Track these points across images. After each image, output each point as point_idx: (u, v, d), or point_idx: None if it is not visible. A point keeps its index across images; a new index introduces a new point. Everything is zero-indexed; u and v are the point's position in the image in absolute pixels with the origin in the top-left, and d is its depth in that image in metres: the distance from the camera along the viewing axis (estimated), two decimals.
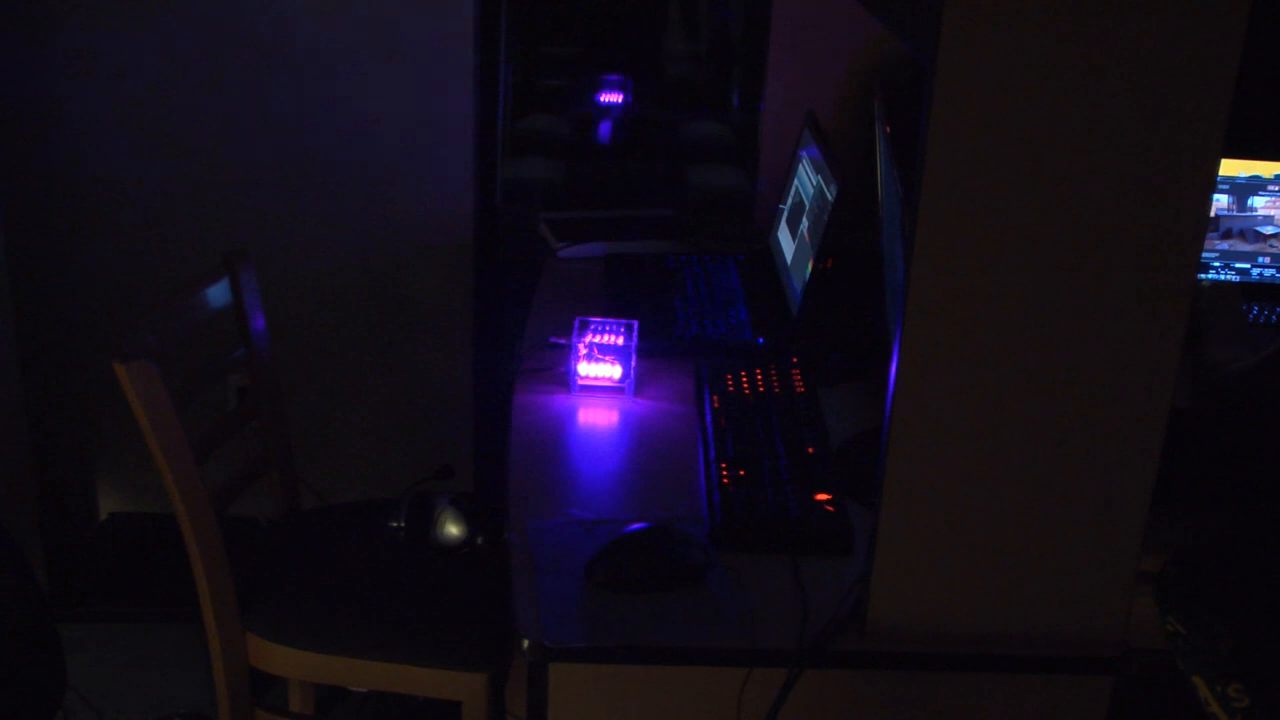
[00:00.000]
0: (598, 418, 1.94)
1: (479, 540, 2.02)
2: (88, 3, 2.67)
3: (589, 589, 1.50)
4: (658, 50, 4.24)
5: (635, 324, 2.03)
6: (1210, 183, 1.28)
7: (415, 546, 2.03)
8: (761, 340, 2.15)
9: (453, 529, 2.02)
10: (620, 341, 1.99)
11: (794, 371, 2.00)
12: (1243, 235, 2.39)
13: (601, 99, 4.04)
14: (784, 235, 2.38)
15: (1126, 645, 1.44)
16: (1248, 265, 2.40)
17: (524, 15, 3.71)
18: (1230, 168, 2.36)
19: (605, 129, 3.98)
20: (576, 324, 2.01)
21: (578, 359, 1.97)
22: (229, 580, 1.95)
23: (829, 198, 2.09)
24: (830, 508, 1.64)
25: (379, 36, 2.73)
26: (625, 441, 1.89)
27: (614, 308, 2.18)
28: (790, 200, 2.39)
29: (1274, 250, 2.39)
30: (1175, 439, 1.37)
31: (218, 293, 2.08)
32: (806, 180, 2.28)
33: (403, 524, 2.02)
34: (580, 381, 1.98)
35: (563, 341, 2.02)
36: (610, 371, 1.98)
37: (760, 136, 2.69)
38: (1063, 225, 1.27)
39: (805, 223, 2.23)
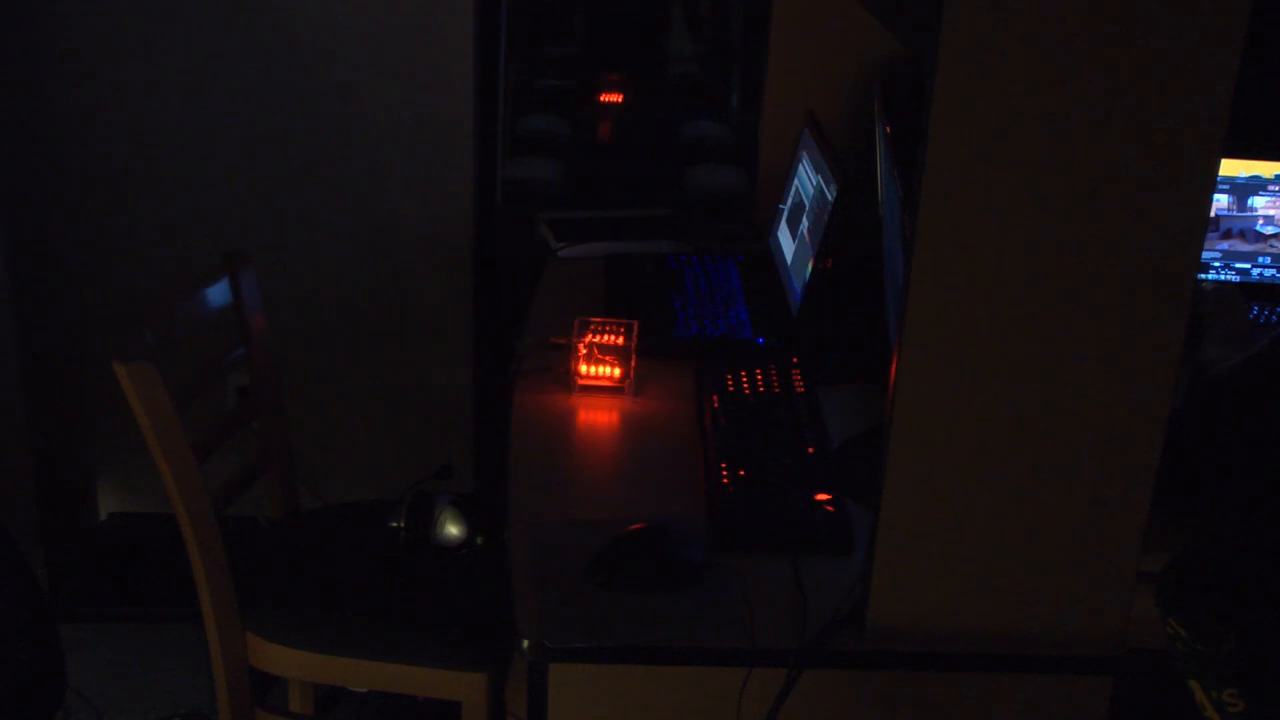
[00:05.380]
0: (598, 418, 1.94)
1: (479, 540, 2.02)
2: (88, 3, 2.67)
3: (589, 589, 1.50)
4: (658, 50, 4.23)
5: (635, 324, 2.03)
6: (1210, 183, 1.28)
7: (415, 546, 2.03)
8: (761, 340, 2.15)
9: (453, 529, 2.02)
10: (620, 341, 1.99)
11: (794, 371, 2.00)
12: (1243, 235, 2.39)
13: (601, 99, 4.04)
14: (784, 235, 2.38)
15: (1126, 645, 1.44)
16: (1248, 265, 2.40)
17: (524, 15, 3.71)
18: (1230, 168, 2.36)
19: (605, 129, 3.98)
20: (576, 324, 2.00)
21: (578, 359, 1.97)
22: (229, 580, 1.95)
23: (829, 198, 2.09)
24: (830, 508, 1.64)
25: (379, 37, 2.73)
26: (625, 441, 1.89)
27: (614, 308, 2.18)
28: (790, 200, 2.39)
29: (1274, 250, 2.39)
30: (1175, 439, 1.37)
31: (218, 293, 2.08)
32: (806, 180, 2.28)
33: (403, 524, 2.02)
34: (580, 381, 1.98)
35: (563, 341, 2.02)
36: (610, 371, 1.98)
37: (760, 136, 2.69)
38: (1062, 225, 1.27)
39: (805, 223, 2.23)
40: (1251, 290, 2.39)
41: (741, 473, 1.71)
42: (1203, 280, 2.36)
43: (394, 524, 2.02)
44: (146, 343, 1.87)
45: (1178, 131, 1.24)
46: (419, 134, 2.81)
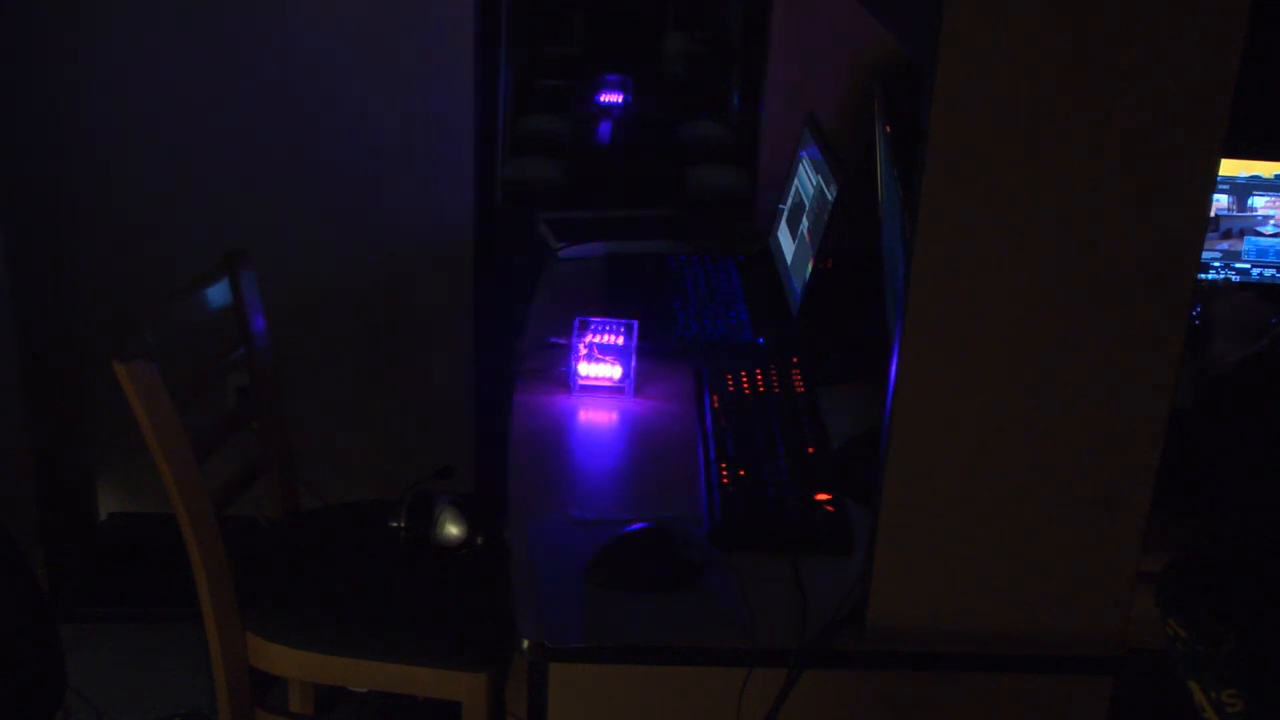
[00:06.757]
0: (598, 418, 1.94)
1: (479, 540, 2.02)
2: (89, 4, 2.67)
3: (589, 589, 1.50)
4: (658, 50, 4.24)
5: (635, 324, 2.03)
6: (1210, 183, 1.28)
7: (415, 546, 2.03)
8: (761, 340, 2.15)
9: (453, 529, 2.02)
10: (620, 341, 1.99)
11: (794, 371, 2.00)
12: (1242, 235, 2.39)
13: (601, 99, 4.04)
14: (784, 235, 2.38)
15: (1126, 645, 1.44)
16: (1248, 265, 2.40)
17: (524, 15, 3.71)
18: (1230, 168, 2.36)
19: (605, 129, 3.99)
20: (576, 324, 2.00)
21: (578, 359, 1.97)
22: (229, 580, 1.95)
23: (829, 198, 2.09)
24: (830, 508, 1.64)
25: (379, 37, 2.73)
26: (625, 441, 1.89)
27: (614, 308, 2.18)
28: (790, 200, 2.39)
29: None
30: (1175, 439, 1.37)
31: (218, 293, 2.08)
32: (806, 180, 2.28)
33: (403, 524, 2.02)
34: (580, 381, 1.98)
35: (563, 341, 2.02)
36: (610, 371, 1.98)
37: (760, 136, 2.69)
38: (1063, 225, 1.27)
39: (805, 223, 2.23)
40: (1260, 292, 2.39)
41: (741, 473, 1.71)
42: (1216, 280, 2.35)
43: (394, 524, 2.02)
44: (146, 343, 1.87)
45: (1177, 131, 1.24)
46: (419, 134, 2.81)
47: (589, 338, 1.99)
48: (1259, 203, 2.37)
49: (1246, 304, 1.81)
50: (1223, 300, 1.79)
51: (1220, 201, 2.37)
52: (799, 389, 1.96)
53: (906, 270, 1.30)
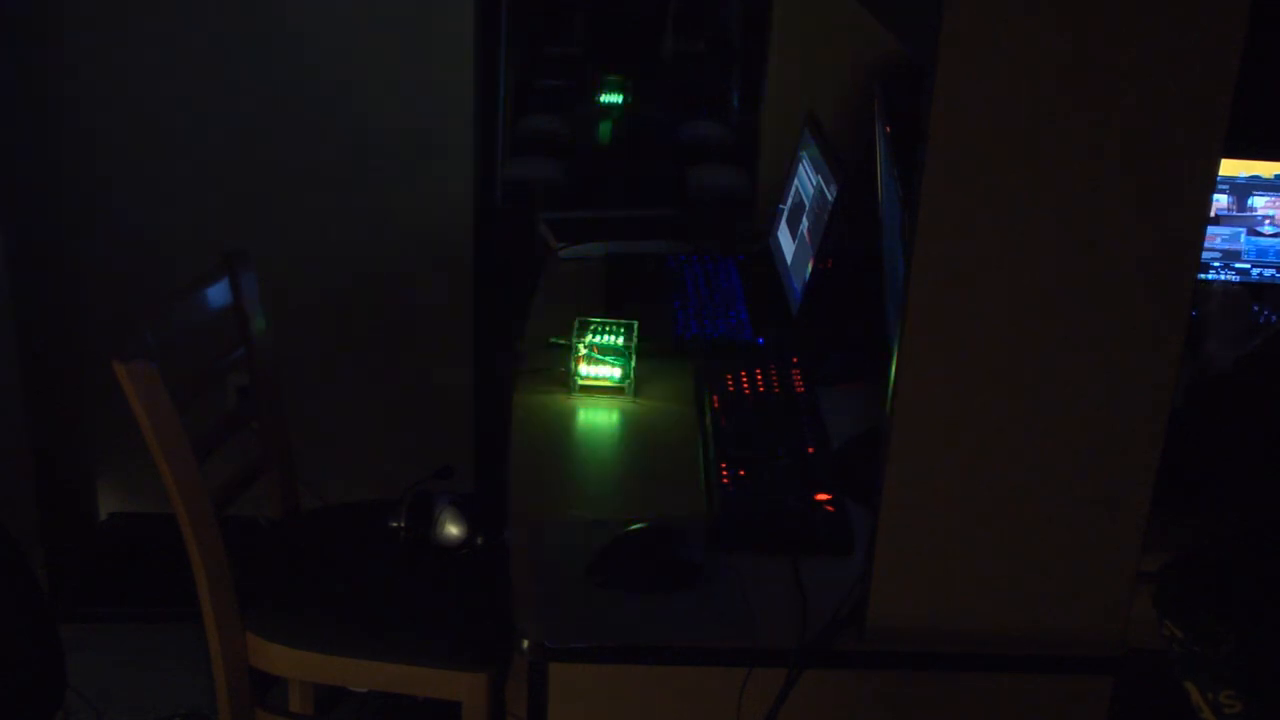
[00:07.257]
0: (598, 418, 1.94)
1: (479, 540, 2.02)
2: (89, 3, 2.67)
3: (589, 589, 1.50)
4: (658, 50, 4.24)
5: (635, 324, 2.03)
6: (1210, 183, 1.28)
7: (415, 546, 2.03)
8: (761, 340, 2.15)
9: (453, 529, 2.02)
10: (620, 341, 1.99)
11: (794, 371, 2.00)
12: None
13: (601, 99, 4.04)
14: (784, 235, 2.38)
15: (1126, 645, 1.44)
16: (1248, 265, 2.40)
17: (524, 15, 3.71)
18: (1230, 168, 2.35)
19: (605, 129, 3.99)
20: (576, 324, 2.01)
21: (578, 359, 1.97)
22: (229, 580, 1.95)
23: (829, 198, 2.09)
24: (830, 508, 1.64)
25: (379, 37, 2.74)
26: (625, 441, 1.89)
27: (614, 308, 2.18)
28: (790, 200, 2.39)
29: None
30: (1175, 439, 1.37)
31: (218, 293, 2.08)
32: (806, 180, 2.28)
33: (403, 524, 2.02)
34: (580, 381, 1.98)
35: (563, 341, 2.02)
36: (610, 371, 1.98)
37: (760, 136, 2.69)
38: (1063, 225, 1.27)
39: (805, 223, 2.23)
40: (1251, 290, 2.39)
41: (741, 473, 1.71)
42: (1212, 281, 2.35)
43: (394, 524, 2.02)
44: (146, 343, 1.87)
45: (1177, 131, 1.24)
46: (419, 134, 2.81)
47: (589, 338, 1.99)
48: (1259, 203, 2.37)
49: (1236, 304, 1.81)
50: (1213, 301, 1.79)
51: (1220, 201, 2.37)
52: (799, 389, 1.95)
53: (906, 270, 1.30)
